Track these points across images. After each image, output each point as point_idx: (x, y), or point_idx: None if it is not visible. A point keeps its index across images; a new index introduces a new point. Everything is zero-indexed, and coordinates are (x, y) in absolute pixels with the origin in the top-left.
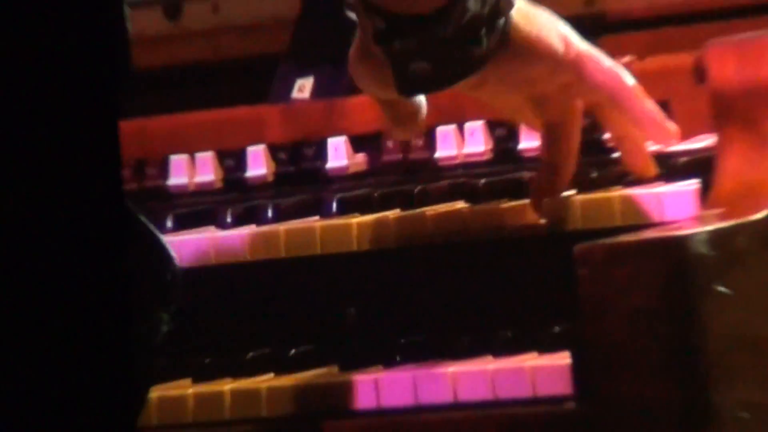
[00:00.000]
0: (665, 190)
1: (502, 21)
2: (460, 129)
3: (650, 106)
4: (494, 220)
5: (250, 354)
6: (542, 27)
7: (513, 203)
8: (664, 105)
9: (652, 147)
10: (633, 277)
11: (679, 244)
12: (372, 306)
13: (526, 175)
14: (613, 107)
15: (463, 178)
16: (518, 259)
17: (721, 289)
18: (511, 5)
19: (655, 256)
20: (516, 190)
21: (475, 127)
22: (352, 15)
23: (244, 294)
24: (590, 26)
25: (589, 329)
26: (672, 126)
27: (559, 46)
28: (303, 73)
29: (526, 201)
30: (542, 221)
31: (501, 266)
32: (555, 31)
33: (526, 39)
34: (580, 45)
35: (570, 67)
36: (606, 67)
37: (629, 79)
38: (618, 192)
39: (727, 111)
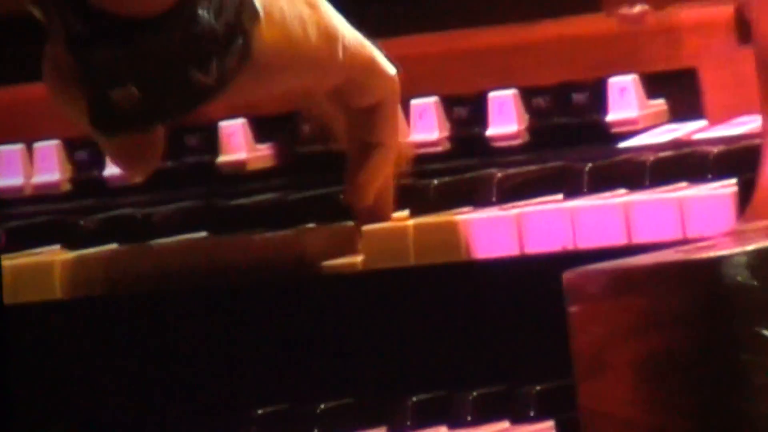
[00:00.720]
0: (690, 194)
1: (240, 41)
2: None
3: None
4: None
5: None
6: (298, 35)
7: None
8: (690, 74)
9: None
10: (646, 316)
11: (710, 269)
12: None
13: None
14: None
15: None
16: (475, 293)
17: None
18: (255, 18)
19: (677, 287)
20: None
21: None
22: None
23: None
24: None
25: (584, 388)
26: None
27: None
28: None
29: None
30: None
31: (459, 302)
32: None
33: (276, 55)
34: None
35: (343, 71)
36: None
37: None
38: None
39: None
